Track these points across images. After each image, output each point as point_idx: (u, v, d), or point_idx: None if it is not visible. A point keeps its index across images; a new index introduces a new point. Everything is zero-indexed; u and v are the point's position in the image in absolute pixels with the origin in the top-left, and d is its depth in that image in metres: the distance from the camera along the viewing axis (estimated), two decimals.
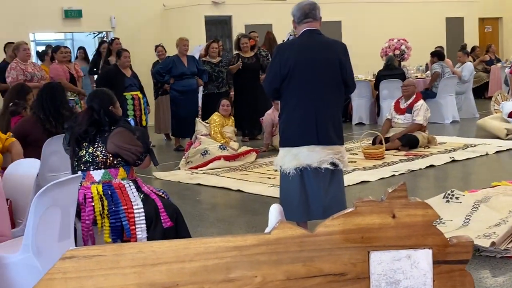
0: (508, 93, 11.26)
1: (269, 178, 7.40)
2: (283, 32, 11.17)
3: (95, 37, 14.62)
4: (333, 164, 4.50)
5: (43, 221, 3.44)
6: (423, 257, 2.29)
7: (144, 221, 4.07)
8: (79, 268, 2.19)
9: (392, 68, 11.83)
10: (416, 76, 12.69)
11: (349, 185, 6.46)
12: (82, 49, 12.32)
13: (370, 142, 9.04)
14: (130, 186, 4.17)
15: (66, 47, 9.85)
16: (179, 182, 7.62)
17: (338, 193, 4.62)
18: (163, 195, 4.35)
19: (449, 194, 5.39)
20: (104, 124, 4.20)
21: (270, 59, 9.42)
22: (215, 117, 8.82)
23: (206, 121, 8.99)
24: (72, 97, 8.87)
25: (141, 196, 4.17)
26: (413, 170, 7.51)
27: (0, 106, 7.22)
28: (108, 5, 13.41)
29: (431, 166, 7.73)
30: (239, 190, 6.93)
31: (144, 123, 9.02)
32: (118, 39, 10.96)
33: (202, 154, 8.32)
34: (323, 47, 4.55)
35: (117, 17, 13.57)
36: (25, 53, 8.76)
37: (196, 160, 8.33)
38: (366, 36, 15.11)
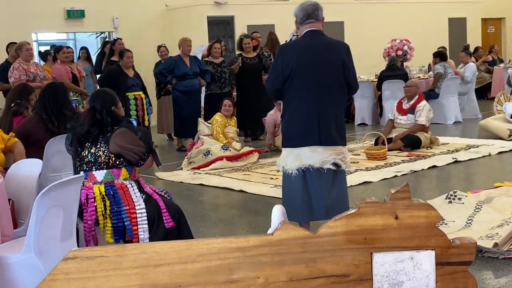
0: (510, 94, 11.24)
1: (272, 178, 7.40)
2: (285, 32, 11.14)
3: (97, 37, 14.62)
4: (335, 164, 4.50)
5: (45, 221, 3.44)
6: (426, 259, 2.29)
7: (146, 222, 4.07)
8: (82, 269, 2.19)
9: (395, 69, 11.80)
10: (419, 77, 12.66)
11: (351, 186, 6.45)
12: (84, 49, 12.30)
13: (373, 142, 9.03)
14: (132, 186, 4.16)
15: (68, 47, 9.84)
16: (181, 182, 7.62)
17: (340, 193, 4.62)
18: (165, 196, 4.35)
19: (451, 195, 5.39)
20: (106, 124, 4.20)
21: (272, 60, 9.41)
22: (218, 117, 8.81)
23: (209, 121, 8.98)
24: (74, 97, 8.87)
25: (143, 196, 4.16)
26: (415, 171, 7.50)
27: (2, 106, 7.23)
28: (110, 5, 13.41)
29: (434, 166, 7.72)
30: (241, 191, 6.93)
31: (146, 123, 9.02)
32: (121, 39, 10.97)
33: (205, 155, 8.32)
34: (326, 47, 4.54)
35: (119, 17, 13.57)
36: (28, 53, 8.75)
37: (199, 160, 8.33)
38: (369, 36, 15.08)
